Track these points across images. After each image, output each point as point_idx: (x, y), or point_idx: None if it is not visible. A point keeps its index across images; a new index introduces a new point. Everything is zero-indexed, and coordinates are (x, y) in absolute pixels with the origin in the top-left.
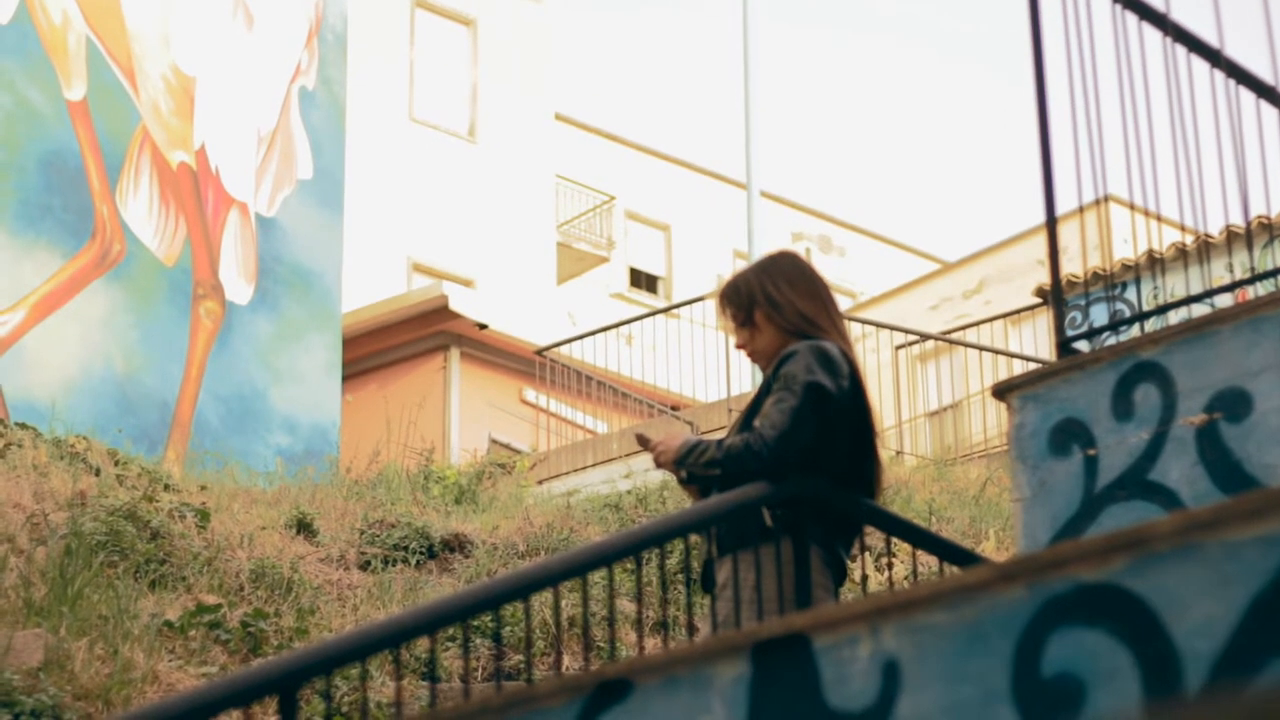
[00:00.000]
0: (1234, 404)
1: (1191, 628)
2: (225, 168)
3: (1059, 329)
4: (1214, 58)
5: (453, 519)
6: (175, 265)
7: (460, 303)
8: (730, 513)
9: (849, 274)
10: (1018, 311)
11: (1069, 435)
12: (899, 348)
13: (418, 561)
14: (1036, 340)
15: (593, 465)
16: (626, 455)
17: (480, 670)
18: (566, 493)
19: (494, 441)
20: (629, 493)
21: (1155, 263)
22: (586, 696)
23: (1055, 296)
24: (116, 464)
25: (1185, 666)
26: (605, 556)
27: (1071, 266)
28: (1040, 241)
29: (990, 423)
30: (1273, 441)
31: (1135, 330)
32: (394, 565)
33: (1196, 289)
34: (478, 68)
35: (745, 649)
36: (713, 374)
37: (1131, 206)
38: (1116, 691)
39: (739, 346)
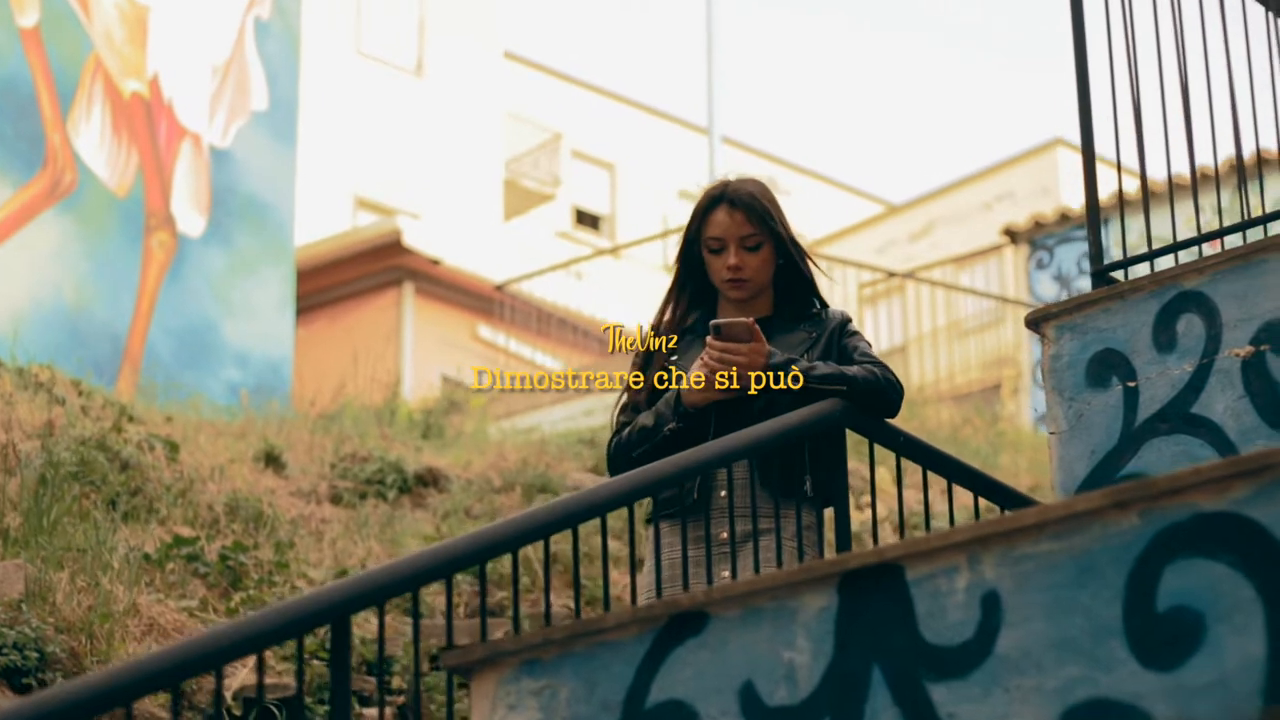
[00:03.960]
0: None
1: None
2: (179, 98)
3: (1095, 257)
4: None
5: (424, 454)
6: (127, 196)
7: (414, 238)
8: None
9: (796, 216)
10: (983, 251)
11: (1107, 367)
12: (864, 286)
13: (390, 495)
14: (1002, 281)
15: (551, 403)
16: (585, 392)
17: (463, 606)
18: (527, 430)
19: (446, 379)
20: (602, 427)
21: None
22: (659, 628)
23: (1092, 223)
24: (80, 394)
25: None
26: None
27: (1017, 212)
28: (989, 185)
29: (937, 365)
30: None
31: (1168, 260)
32: (366, 499)
33: (1171, 232)
34: (425, 2)
35: (832, 579)
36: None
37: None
38: (1239, 627)
39: (735, 266)
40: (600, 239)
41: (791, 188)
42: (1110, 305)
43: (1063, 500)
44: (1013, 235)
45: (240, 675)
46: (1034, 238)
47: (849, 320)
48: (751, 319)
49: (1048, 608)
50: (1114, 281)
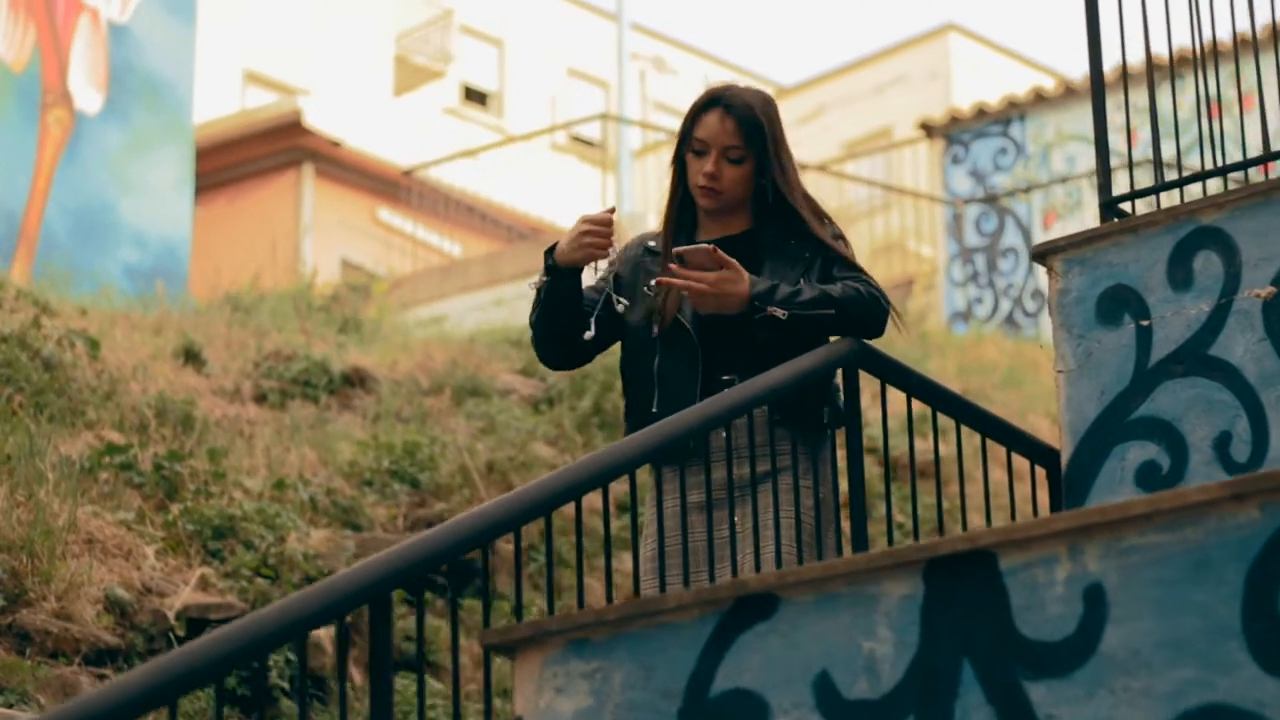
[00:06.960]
0: None
1: None
2: None
3: (1104, 187)
4: None
5: (347, 351)
6: (23, 72)
7: (314, 118)
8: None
9: (683, 97)
10: (898, 144)
11: (1119, 303)
12: None
13: (317, 396)
14: (894, 168)
15: (458, 292)
16: (493, 283)
17: (402, 518)
18: (433, 319)
19: (346, 263)
20: (518, 323)
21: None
22: (724, 611)
23: (1100, 152)
24: None
25: None
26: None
27: (909, 96)
28: (881, 69)
29: None
30: None
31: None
32: (293, 400)
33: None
34: None
35: (917, 566)
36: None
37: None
38: None
39: (711, 174)
40: (489, 116)
41: (680, 68)
42: (1122, 240)
43: (1174, 490)
44: (928, 129)
45: (183, 594)
46: (949, 132)
47: (837, 229)
48: (712, 246)
49: (1158, 604)
50: (1123, 214)
